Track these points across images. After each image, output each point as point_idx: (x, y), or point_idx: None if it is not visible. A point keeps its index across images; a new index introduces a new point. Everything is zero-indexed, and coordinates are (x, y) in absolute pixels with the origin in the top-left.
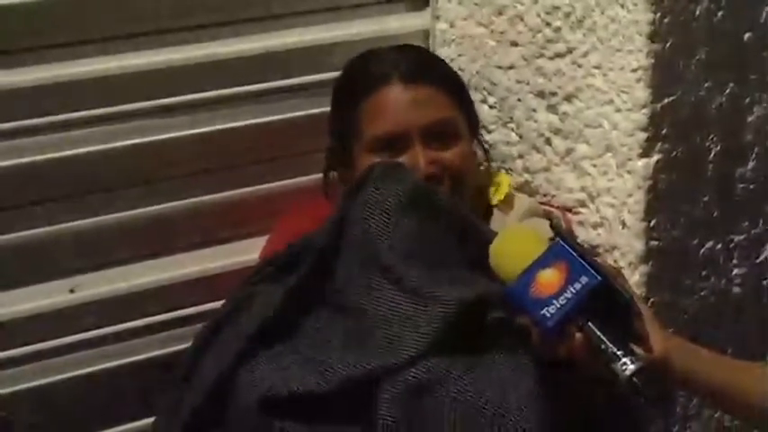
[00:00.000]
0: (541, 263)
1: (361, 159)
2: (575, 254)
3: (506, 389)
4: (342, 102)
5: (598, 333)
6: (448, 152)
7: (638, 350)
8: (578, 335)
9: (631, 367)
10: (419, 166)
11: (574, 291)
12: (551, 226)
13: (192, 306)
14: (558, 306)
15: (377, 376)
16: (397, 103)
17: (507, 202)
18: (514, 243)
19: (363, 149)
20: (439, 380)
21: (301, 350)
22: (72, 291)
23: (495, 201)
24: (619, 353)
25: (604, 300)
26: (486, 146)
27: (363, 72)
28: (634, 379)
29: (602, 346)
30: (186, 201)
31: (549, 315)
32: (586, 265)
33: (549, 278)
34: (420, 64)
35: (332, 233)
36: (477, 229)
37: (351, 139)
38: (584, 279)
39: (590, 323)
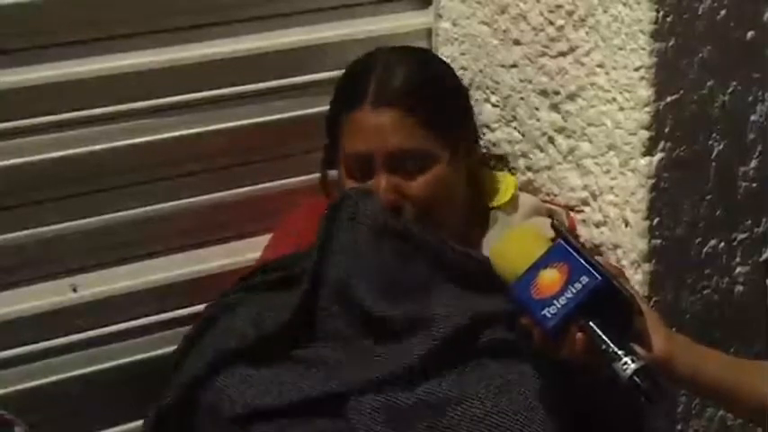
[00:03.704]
0: (542, 263)
1: (340, 172)
2: (576, 254)
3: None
4: (332, 109)
5: (599, 333)
6: (414, 180)
7: (639, 350)
8: (579, 335)
9: (632, 367)
10: (379, 193)
11: (574, 291)
12: (552, 226)
13: (192, 306)
14: (559, 306)
15: (340, 396)
16: (366, 126)
17: (512, 204)
18: (516, 244)
19: (342, 167)
20: (414, 405)
21: (279, 372)
22: (74, 290)
23: (499, 202)
24: (620, 352)
25: (605, 299)
26: (490, 146)
27: (348, 85)
28: (635, 378)
29: (604, 346)
30: (186, 200)
31: (549, 315)
32: (587, 265)
33: (550, 278)
34: (400, 84)
35: (315, 263)
36: (461, 255)
37: (336, 150)
38: (584, 279)
39: (591, 323)
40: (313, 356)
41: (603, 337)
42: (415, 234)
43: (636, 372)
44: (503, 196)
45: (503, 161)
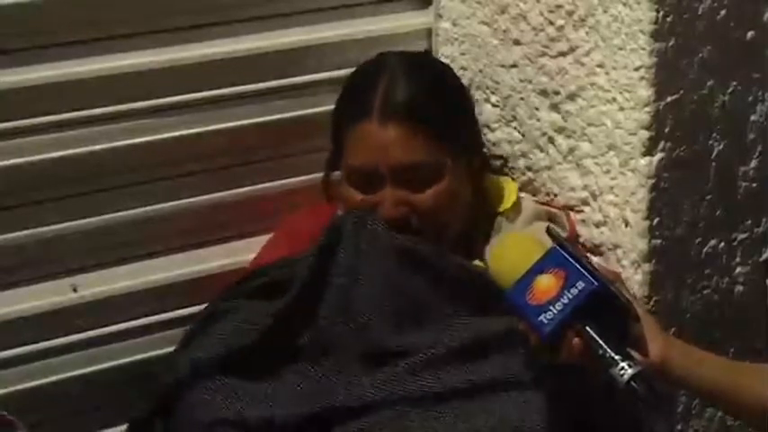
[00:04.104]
0: (538, 269)
1: (342, 183)
2: (571, 259)
3: None
4: (337, 117)
5: (596, 338)
6: (422, 193)
7: (636, 354)
8: (576, 340)
9: (629, 372)
10: (385, 206)
11: (571, 296)
12: (548, 231)
13: (192, 306)
14: (556, 312)
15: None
16: (371, 141)
17: (514, 209)
18: (513, 250)
19: (344, 176)
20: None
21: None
22: (74, 290)
23: (501, 209)
24: (617, 357)
25: (602, 305)
26: (490, 146)
27: (354, 95)
28: (632, 383)
29: (600, 351)
30: (186, 200)
31: (546, 321)
32: (583, 271)
33: (547, 284)
34: (406, 98)
35: (311, 273)
36: (465, 271)
37: (340, 156)
38: (580, 284)
39: (588, 328)
40: (303, 371)
41: (600, 342)
42: (419, 250)
43: (633, 377)
44: (504, 202)
45: (501, 160)
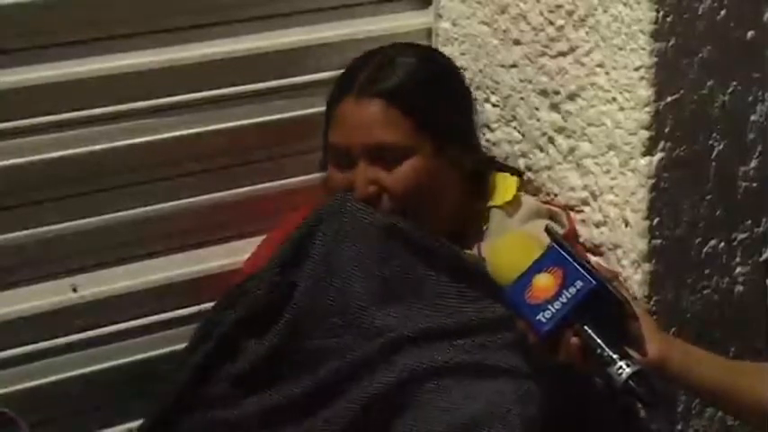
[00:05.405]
0: (537, 268)
1: (328, 165)
2: (570, 258)
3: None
4: (327, 103)
5: (594, 337)
6: (391, 173)
7: (633, 354)
8: (574, 339)
9: (627, 371)
10: (357, 185)
11: (569, 295)
12: (546, 230)
13: (192, 306)
14: (554, 311)
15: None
16: (346, 118)
17: (513, 204)
18: (512, 248)
19: (329, 152)
20: None
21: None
22: (74, 290)
23: (498, 202)
24: (615, 356)
25: (600, 304)
26: (490, 146)
27: (342, 77)
28: (630, 382)
29: (598, 350)
30: (186, 200)
31: (544, 320)
32: (581, 270)
33: (545, 283)
34: (387, 77)
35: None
36: (453, 255)
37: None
38: (579, 284)
39: (586, 327)
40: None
41: (598, 341)
42: (398, 227)
43: (630, 376)
44: (502, 196)
45: (504, 163)
